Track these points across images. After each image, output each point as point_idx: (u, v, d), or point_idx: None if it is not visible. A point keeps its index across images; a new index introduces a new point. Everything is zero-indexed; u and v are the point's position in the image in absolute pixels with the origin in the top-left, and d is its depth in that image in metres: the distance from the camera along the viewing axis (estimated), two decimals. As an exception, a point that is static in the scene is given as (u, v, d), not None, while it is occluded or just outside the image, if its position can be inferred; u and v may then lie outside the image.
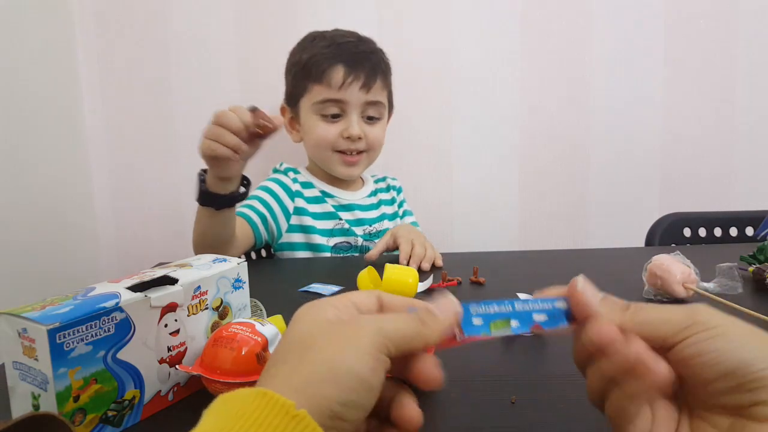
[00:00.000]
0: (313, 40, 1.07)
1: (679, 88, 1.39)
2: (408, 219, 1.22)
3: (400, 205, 1.23)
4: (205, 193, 0.78)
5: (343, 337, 0.28)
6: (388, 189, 1.22)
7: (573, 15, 1.36)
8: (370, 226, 1.13)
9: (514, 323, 0.33)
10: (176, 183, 1.37)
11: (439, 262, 0.91)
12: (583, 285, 0.33)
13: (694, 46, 1.38)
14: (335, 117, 1.05)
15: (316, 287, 0.79)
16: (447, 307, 0.32)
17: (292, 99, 1.10)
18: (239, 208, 1.03)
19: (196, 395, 0.48)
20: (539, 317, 0.33)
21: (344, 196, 1.13)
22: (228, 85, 1.34)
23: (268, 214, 1.05)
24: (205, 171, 0.79)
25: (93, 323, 0.40)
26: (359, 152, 1.08)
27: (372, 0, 1.33)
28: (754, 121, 1.41)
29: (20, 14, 1.11)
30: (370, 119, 1.08)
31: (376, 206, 1.16)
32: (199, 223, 0.83)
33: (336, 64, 1.02)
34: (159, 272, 0.48)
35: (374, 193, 1.18)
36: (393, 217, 1.19)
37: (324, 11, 1.31)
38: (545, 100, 1.39)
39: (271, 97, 1.15)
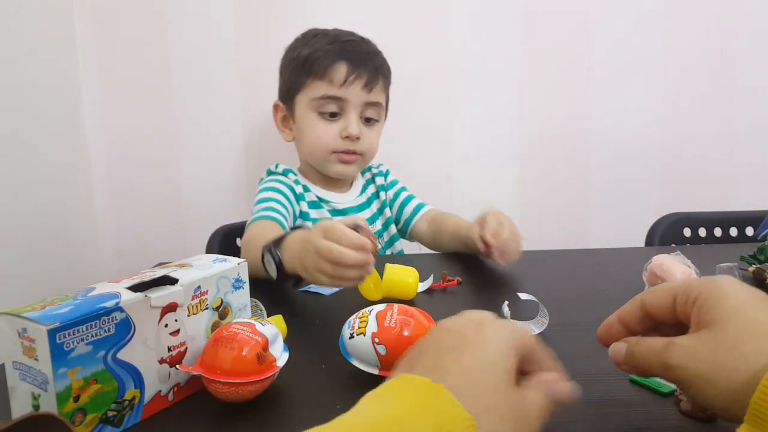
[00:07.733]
0: (314, 36, 1.06)
1: (679, 88, 1.39)
2: (404, 195, 1.18)
3: (389, 188, 1.18)
4: (285, 274, 0.70)
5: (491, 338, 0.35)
6: (373, 179, 1.19)
7: (573, 14, 1.36)
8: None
9: None
10: (176, 183, 1.37)
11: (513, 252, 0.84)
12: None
13: (695, 46, 1.38)
14: (333, 116, 1.03)
15: (315, 287, 0.79)
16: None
17: (288, 95, 1.08)
18: (267, 212, 0.97)
19: (196, 395, 0.48)
20: None
21: (338, 199, 1.11)
22: (228, 85, 1.34)
23: (289, 218, 1.02)
24: (271, 247, 0.71)
25: (93, 323, 0.40)
26: (355, 153, 1.05)
27: None
28: (755, 121, 1.41)
29: (20, 14, 1.11)
30: (368, 121, 1.06)
31: (368, 204, 1.15)
32: (255, 259, 0.72)
33: (339, 61, 1.01)
34: (159, 272, 0.48)
35: (364, 188, 1.17)
36: (381, 211, 1.16)
37: (324, 9, 1.31)
38: (545, 101, 1.39)
39: (271, 97, 1.14)
